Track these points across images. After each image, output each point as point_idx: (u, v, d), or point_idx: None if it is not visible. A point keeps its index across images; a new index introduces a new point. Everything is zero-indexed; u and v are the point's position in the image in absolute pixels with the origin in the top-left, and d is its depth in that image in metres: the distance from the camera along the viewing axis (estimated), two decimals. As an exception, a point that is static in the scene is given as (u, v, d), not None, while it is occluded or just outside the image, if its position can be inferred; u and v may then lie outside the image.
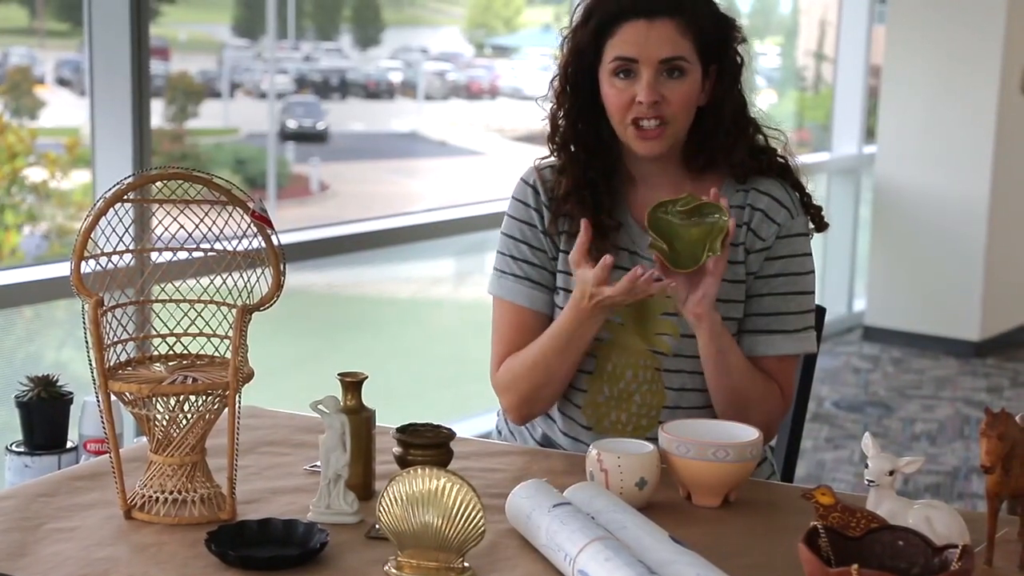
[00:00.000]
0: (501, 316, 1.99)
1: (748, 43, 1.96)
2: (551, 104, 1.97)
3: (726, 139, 1.93)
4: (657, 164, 1.95)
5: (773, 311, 1.92)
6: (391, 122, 16.82)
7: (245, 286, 1.62)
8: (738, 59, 1.93)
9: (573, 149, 1.96)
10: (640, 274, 1.75)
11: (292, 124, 14.29)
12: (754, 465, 1.67)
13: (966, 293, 6.04)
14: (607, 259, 1.77)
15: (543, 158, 2.01)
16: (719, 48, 1.91)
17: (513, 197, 2.00)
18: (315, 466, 1.78)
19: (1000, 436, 1.40)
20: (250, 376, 1.58)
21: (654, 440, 1.70)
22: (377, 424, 1.69)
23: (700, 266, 1.77)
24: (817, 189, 6.26)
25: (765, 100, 8.05)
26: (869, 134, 6.62)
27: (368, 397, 1.69)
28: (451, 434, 1.67)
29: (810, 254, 1.96)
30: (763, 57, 8.22)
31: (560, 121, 1.96)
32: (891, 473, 1.46)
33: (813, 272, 1.96)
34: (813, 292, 1.96)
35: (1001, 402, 5.32)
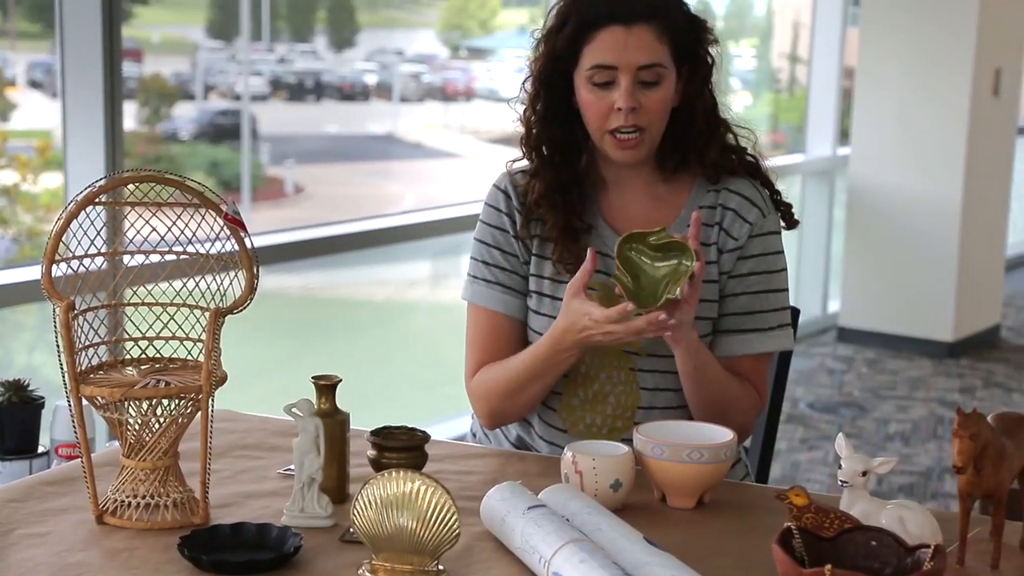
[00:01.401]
0: (475, 322, 1.99)
1: (720, 44, 1.96)
2: (524, 107, 1.97)
3: (699, 139, 1.94)
4: (630, 167, 1.95)
5: (748, 310, 1.93)
6: (366, 124, 16.79)
7: (218, 289, 1.61)
8: (710, 60, 1.94)
9: (546, 152, 1.97)
10: (656, 320, 1.72)
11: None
12: (728, 466, 1.68)
13: (940, 294, 6.07)
14: (625, 307, 1.73)
15: (515, 160, 2.01)
16: (692, 49, 1.91)
17: (486, 203, 2.01)
18: (289, 469, 1.77)
19: (972, 436, 1.41)
20: (223, 379, 1.58)
21: (630, 442, 1.70)
22: (351, 427, 1.69)
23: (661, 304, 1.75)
24: (791, 191, 6.30)
25: (740, 102, 8.07)
26: (843, 136, 6.65)
27: (342, 400, 1.68)
28: (425, 437, 1.67)
29: (782, 252, 1.97)
30: (738, 59, 8.24)
31: (533, 124, 1.96)
32: (864, 474, 1.47)
33: (786, 269, 1.97)
34: (787, 289, 1.97)
35: (974, 402, 5.35)
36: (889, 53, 6.07)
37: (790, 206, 2.01)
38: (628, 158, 1.90)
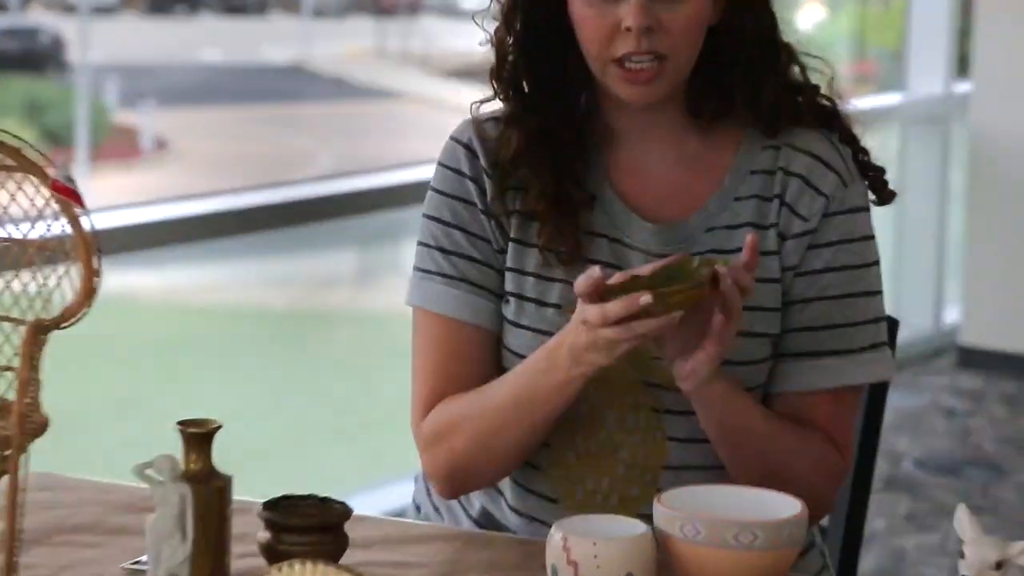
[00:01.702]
0: (427, 337, 2.00)
1: None
2: (495, 23, 1.98)
3: (748, 73, 1.96)
4: (649, 113, 1.97)
5: (825, 323, 1.95)
6: (263, 50, 16.81)
7: (39, 292, 1.60)
8: None
9: (527, 89, 1.98)
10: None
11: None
12: (795, 554, 1.68)
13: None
14: (635, 298, 1.72)
15: (483, 101, 2.02)
16: None
17: (440, 164, 2.02)
18: (139, 563, 1.76)
19: None
20: (43, 427, 1.57)
21: (649, 517, 1.70)
22: (235, 497, 1.68)
23: (695, 322, 1.76)
24: (886, 147, 6.33)
25: (810, 16, 8.12)
26: (962, 65, 6.69)
27: (222, 457, 1.68)
28: (345, 511, 1.66)
29: (873, 237, 1.99)
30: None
31: (509, 49, 1.98)
32: (999, 566, 1.47)
33: (879, 263, 1.99)
34: (880, 292, 1.99)
35: None
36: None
37: (883, 171, 2.02)
38: (640, 96, 1.91)
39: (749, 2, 1.95)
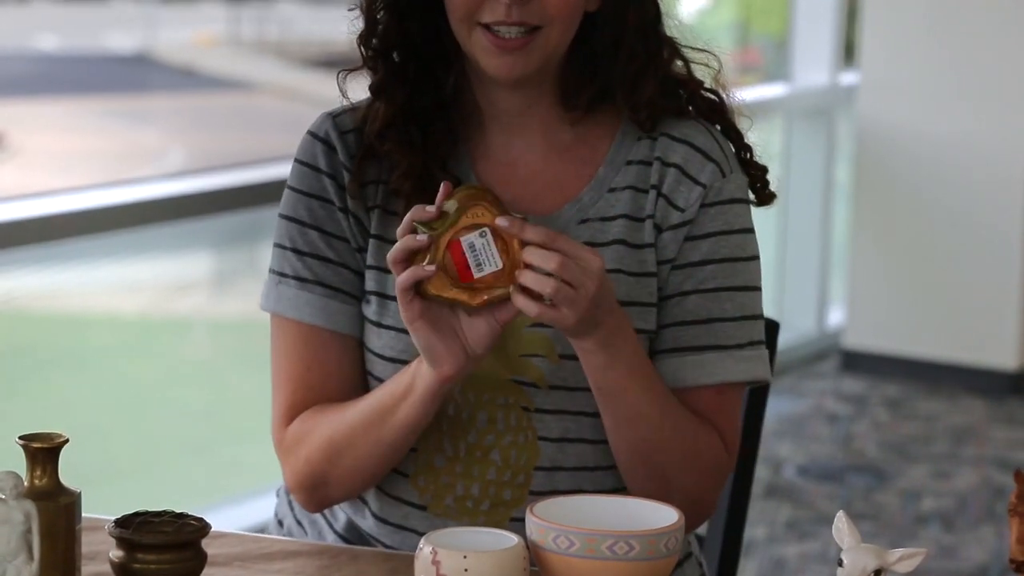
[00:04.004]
0: (284, 343, 2.00)
1: None
2: None
3: (628, 66, 1.97)
4: (521, 95, 1.98)
5: (702, 317, 1.97)
6: (104, 37, 16.60)
7: None
8: None
9: (398, 59, 1.99)
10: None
11: None
12: (672, 564, 1.69)
13: (997, 300, 6.16)
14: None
15: (351, 70, 2.01)
16: None
17: (296, 160, 2.02)
18: (-15, 583, 1.76)
19: (1037, 513, 1.45)
20: None
21: (523, 521, 1.72)
22: (85, 514, 1.68)
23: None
24: (769, 140, 6.37)
25: (692, 4, 8.16)
26: (848, 54, 6.72)
27: (68, 472, 1.68)
28: (202, 527, 1.66)
29: (753, 230, 2.01)
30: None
31: (378, 14, 1.98)
32: (877, 573, 1.50)
33: (758, 257, 2.01)
34: (760, 288, 2.01)
35: (1049, 463, 5.46)
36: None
37: (765, 170, 2.05)
38: (508, 69, 1.91)
39: None
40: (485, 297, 1.78)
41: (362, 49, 2.00)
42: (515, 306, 1.77)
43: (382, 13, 1.97)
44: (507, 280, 1.77)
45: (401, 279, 1.78)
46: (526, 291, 1.76)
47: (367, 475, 1.96)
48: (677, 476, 1.91)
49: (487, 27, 1.90)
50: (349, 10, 2.01)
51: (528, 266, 1.75)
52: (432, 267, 1.77)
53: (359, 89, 2.04)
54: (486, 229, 1.78)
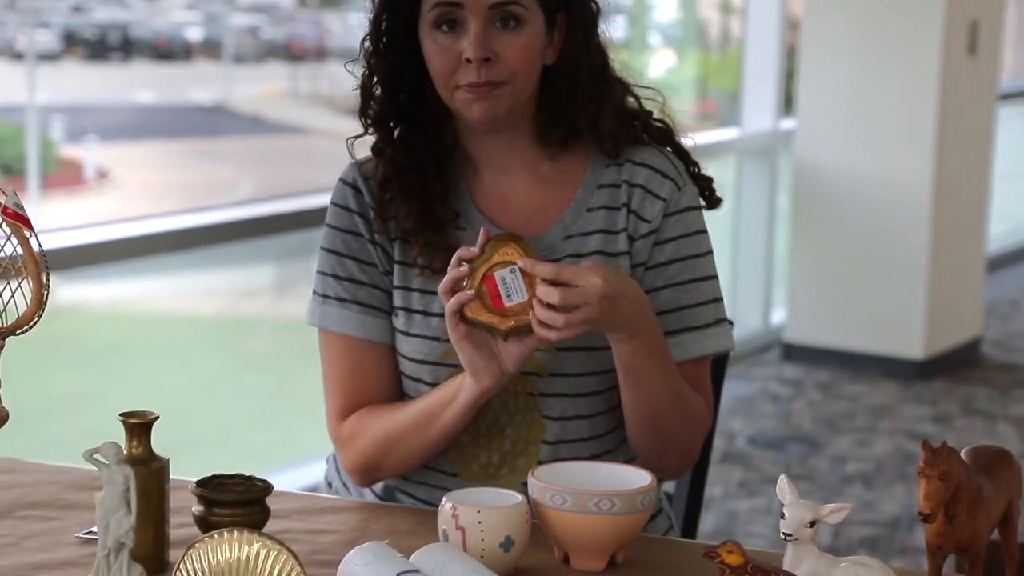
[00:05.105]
0: (331, 353, 2.00)
1: None
2: (363, 69, 1.98)
3: (587, 106, 1.97)
4: (502, 139, 1.97)
5: (675, 306, 1.97)
6: (189, 91, 16.61)
7: (-3, 303, 1.59)
8: (593, 7, 1.97)
9: (393, 125, 1.99)
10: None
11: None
12: (646, 518, 1.70)
13: (907, 300, 6.18)
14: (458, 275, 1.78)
15: (356, 137, 2.02)
16: None
17: (332, 203, 2.02)
18: (90, 533, 1.76)
19: (942, 477, 1.45)
20: (4, 418, 1.56)
21: (533, 484, 1.71)
22: (172, 477, 1.68)
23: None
24: (723, 174, 6.36)
25: (661, 63, 8.15)
26: (787, 105, 6.73)
27: (160, 443, 1.68)
28: (266, 487, 1.67)
29: (706, 231, 2.01)
30: (657, 10, 8.33)
31: (375, 90, 1.98)
32: (812, 524, 1.49)
33: (712, 253, 2.02)
34: (717, 277, 2.01)
35: (951, 434, 5.46)
36: (842, 0, 6.16)
37: (710, 180, 2.05)
38: (484, 112, 1.91)
39: (583, 44, 1.95)
40: (512, 323, 1.79)
41: (363, 120, 2.00)
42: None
43: (378, 91, 1.97)
44: (531, 307, 1.78)
45: (449, 304, 1.80)
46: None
47: (413, 464, 1.97)
48: (676, 433, 1.93)
49: (464, 88, 1.90)
50: (353, 90, 2.00)
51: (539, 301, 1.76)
52: (472, 292, 1.78)
53: (362, 144, 2.04)
54: (515, 266, 1.78)
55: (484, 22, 1.88)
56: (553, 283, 1.76)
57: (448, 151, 1.99)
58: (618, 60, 2.01)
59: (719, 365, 2.21)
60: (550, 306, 1.75)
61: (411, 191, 1.95)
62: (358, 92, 1.99)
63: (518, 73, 1.90)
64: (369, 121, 1.99)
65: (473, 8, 1.87)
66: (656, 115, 2.03)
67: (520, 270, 1.78)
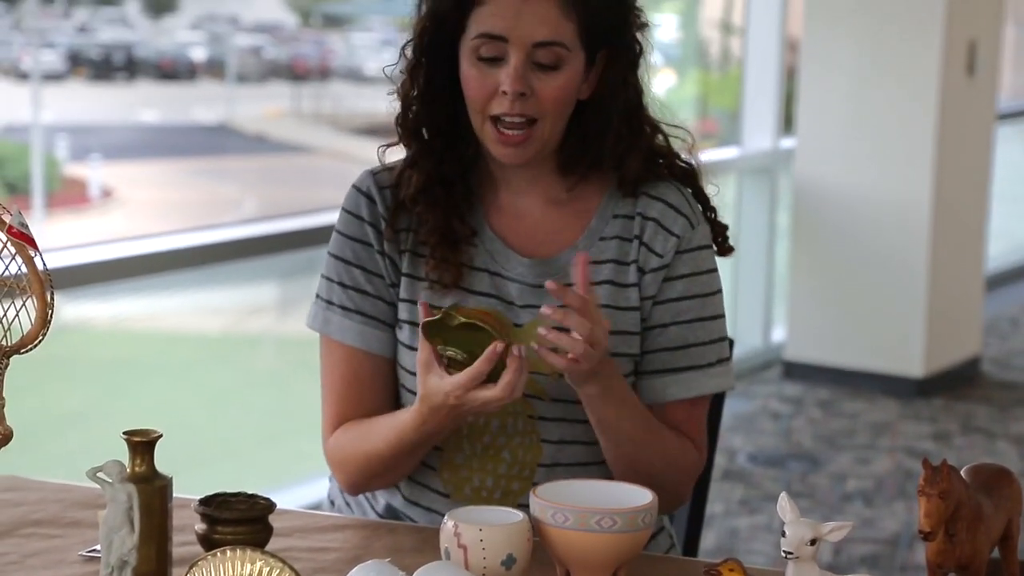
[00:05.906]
0: (330, 361, 2.00)
1: (649, 27, 1.98)
2: (403, 79, 1.98)
3: (616, 144, 1.96)
4: (524, 170, 1.97)
5: (680, 344, 1.96)
6: (193, 111, 16.66)
7: (0, 321, 1.59)
8: (637, 47, 1.96)
9: (427, 136, 1.98)
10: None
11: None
12: (648, 535, 1.69)
13: (907, 319, 6.18)
14: (487, 360, 1.76)
15: (389, 145, 2.02)
16: (612, 31, 1.93)
17: (344, 209, 2.01)
18: (94, 551, 1.75)
19: (942, 495, 1.45)
20: (8, 437, 1.56)
21: (527, 508, 1.71)
22: (175, 495, 1.68)
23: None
24: (724, 193, 6.36)
25: (663, 82, 8.16)
26: (787, 124, 6.74)
27: (163, 461, 1.67)
28: (269, 506, 1.67)
29: (716, 270, 2.01)
30: (660, 29, 8.34)
31: (412, 101, 1.97)
32: (813, 542, 1.49)
33: (721, 292, 2.01)
34: (723, 316, 2.01)
35: (951, 452, 5.45)
36: (840, 21, 6.18)
37: (725, 228, 2.05)
38: (510, 157, 1.92)
39: (620, 83, 1.94)
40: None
41: (398, 128, 1.99)
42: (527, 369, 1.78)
43: (416, 102, 1.97)
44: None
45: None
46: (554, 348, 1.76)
47: (398, 477, 1.97)
48: (659, 476, 1.90)
49: (496, 120, 1.89)
50: (388, 94, 2.00)
51: (562, 328, 1.75)
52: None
53: (392, 152, 2.04)
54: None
55: (525, 58, 1.87)
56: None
57: (470, 166, 1.99)
58: (654, 99, 2.01)
59: (718, 396, 2.20)
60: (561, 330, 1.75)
61: (437, 204, 1.95)
62: (396, 99, 1.98)
63: (550, 112, 1.90)
64: (405, 131, 1.98)
65: (516, 44, 1.87)
66: (683, 156, 2.02)
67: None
